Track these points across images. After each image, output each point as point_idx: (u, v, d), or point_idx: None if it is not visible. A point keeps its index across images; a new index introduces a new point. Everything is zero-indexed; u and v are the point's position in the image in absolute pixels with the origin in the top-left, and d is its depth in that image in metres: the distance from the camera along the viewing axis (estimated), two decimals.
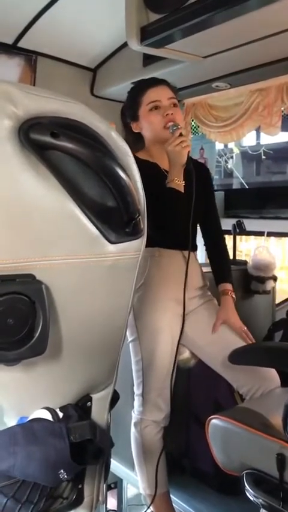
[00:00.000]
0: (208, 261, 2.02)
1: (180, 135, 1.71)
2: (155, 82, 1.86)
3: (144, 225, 0.87)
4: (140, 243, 0.87)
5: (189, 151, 1.74)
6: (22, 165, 0.73)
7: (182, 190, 1.73)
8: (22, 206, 0.74)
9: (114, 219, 0.82)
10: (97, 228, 0.80)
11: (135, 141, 1.86)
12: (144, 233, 0.88)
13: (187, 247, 1.78)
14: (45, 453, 0.77)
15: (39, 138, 0.73)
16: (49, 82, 2.71)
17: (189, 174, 1.73)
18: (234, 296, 1.90)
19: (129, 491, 2.50)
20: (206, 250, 2.01)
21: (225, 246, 2.03)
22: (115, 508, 2.51)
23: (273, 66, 2.36)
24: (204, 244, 2.00)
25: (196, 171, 1.75)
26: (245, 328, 1.86)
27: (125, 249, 0.85)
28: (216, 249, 1.98)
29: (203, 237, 2.00)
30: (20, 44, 2.61)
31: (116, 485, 2.47)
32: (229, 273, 1.96)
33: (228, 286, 1.91)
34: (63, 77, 2.80)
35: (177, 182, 1.72)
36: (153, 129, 1.80)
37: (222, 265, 1.97)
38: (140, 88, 1.86)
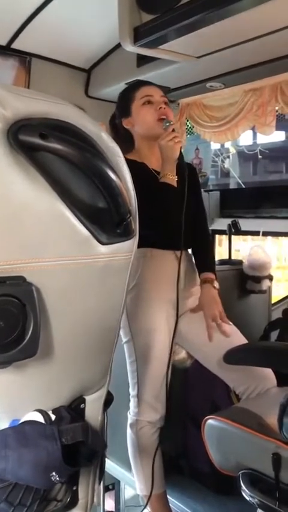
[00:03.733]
0: None
1: (173, 131, 1.73)
2: (148, 82, 1.92)
3: (135, 225, 0.87)
4: (131, 243, 0.87)
5: (181, 147, 1.76)
6: (11, 167, 0.73)
7: (175, 185, 1.74)
8: (11, 208, 0.73)
9: (105, 220, 0.81)
10: (88, 229, 0.80)
11: (124, 141, 1.86)
12: (136, 234, 0.87)
13: (179, 247, 1.78)
14: (37, 456, 0.77)
15: (28, 139, 0.72)
16: (43, 83, 2.70)
17: (181, 170, 1.75)
18: (216, 285, 1.87)
19: (127, 492, 2.50)
20: (191, 245, 1.97)
21: (210, 242, 2.04)
22: (113, 509, 2.51)
23: (267, 65, 2.36)
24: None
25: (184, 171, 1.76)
26: (220, 320, 1.80)
27: (116, 250, 0.85)
28: (201, 244, 1.96)
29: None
30: (14, 46, 2.60)
31: (114, 486, 2.47)
32: (212, 265, 1.94)
33: (210, 275, 1.88)
34: (57, 78, 2.80)
35: (170, 177, 1.73)
36: (146, 122, 1.82)
37: (205, 257, 1.95)
38: (132, 86, 1.92)
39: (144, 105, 1.82)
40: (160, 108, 1.80)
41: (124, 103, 1.88)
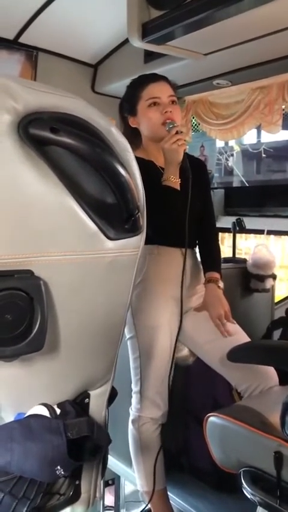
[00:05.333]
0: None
1: (177, 133, 1.70)
2: (156, 78, 1.84)
3: (143, 221, 0.87)
4: (139, 239, 0.87)
5: (185, 149, 1.73)
6: (21, 161, 0.73)
7: (178, 188, 1.72)
8: (21, 201, 0.73)
9: (113, 216, 0.81)
10: (96, 224, 0.80)
11: (133, 137, 1.84)
12: (144, 230, 0.87)
13: (185, 245, 1.77)
14: (42, 449, 0.77)
15: (39, 133, 0.72)
16: (50, 78, 2.70)
17: (185, 172, 1.73)
18: (220, 285, 1.85)
19: (127, 488, 2.50)
20: (198, 244, 1.96)
21: (217, 241, 2.01)
22: (112, 505, 2.52)
23: (275, 64, 2.35)
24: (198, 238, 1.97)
25: (193, 168, 1.74)
26: (224, 320, 1.80)
27: (124, 246, 0.85)
28: (207, 242, 1.94)
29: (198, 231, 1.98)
30: (21, 40, 2.60)
31: (114, 481, 2.48)
32: (218, 264, 1.92)
33: (215, 274, 1.86)
34: (63, 73, 2.79)
35: (173, 180, 1.71)
36: (151, 125, 1.79)
37: (212, 256, 1.93)
38: (140, 82, 1.84)
39: (150, 106, 1.78)
40: (166, 112, 1.76)
41: (130, 101, 1.85)
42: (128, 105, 1.86)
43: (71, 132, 0.74)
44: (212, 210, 1.99)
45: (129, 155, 0.83)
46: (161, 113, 1.76)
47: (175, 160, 1.71)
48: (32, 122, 0.72)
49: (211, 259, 1.93)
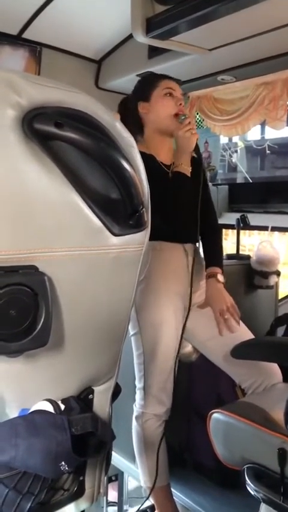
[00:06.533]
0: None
1: (189, 123, 1.74)
2: (171, 77, 1.89)
3: (148, 217, 0.86)
4: (143, 235, 0.86)
5: (197, 139, 1.77)
6: (25, 156, 0.72)
7: (189, 175, 1.75)
8: (25, 197, 0.73)
9: (117, 211, 0.81)
10: (100, 220, 0.80)
11: (134, 130, 1.85)
12: (148, 226, 0.87)
13: (188, 240, 1.78)
14: (47, 445, 0.77)
15: (43, 128, 0.72)
16: (53, 74, 2.70)
17: (196, 162, 1.77)
18: (220, 279, 1.83)
19: (130, 483, 2.52)
20: (200, 239, 1.95)
21: (219, 236, 2.02)
22: (116, 501, 2.52)
23: (280, 59, 2.34)
24: (200, 235, 1.97)
25: (193, 163, 1.78)
26: (227, 315, 1.78)
27: (128, 242, 0.84)
28: (208, 237, 1.94)
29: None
30: (25, 35, 2.59)
31: (117, 477, 2.49)
32: (219, 259, 1.91)
33: (215, 269, 1.85)
34: (67, 68, 2.79)
35: (185, 167, 1.74)
36: (163, 113, 1.81)
37: (212, 250, 1.93)
38: (156, 74, 1.91)
39: (166, 96, 1.82)
40: (180, 104, 1.81)
41: (145, 87, 1.86)
42: (142, 90, 1.88)
43: (76, 127, 0.73)
44: (212, 205, 2.00)
45: (133, 150, 0.82)
46: (176, 104, 1.81)
47: (188, 147, 1.75)
48: (37, 117, 0.71)
49: (212, 254, 1.92)
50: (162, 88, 1.82)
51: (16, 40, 2.60)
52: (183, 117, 1.76)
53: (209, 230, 1.94)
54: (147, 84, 1.87)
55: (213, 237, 1.97)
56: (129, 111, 1.89)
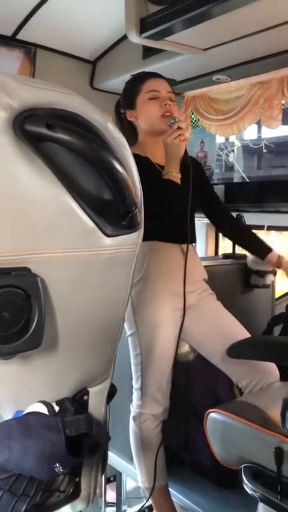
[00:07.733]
0: (208, 255, 2.01)
1: (178, 128, 1.71)
2: (155, 74, 1.88)
3: (141, 218, 0.86)
4: (136, 236, 0.86)
5: (186, 145, 1.74)
6: (17, 157, 0.72)
7: (179, 182, 1.73)
8: (17, 199, 0.73)
9: (110, 212, 0.81)
10: (93, 221, 0.80)
11: (129, 134, 1.85)
12: (141, 226, 0.87)
13: (185, 240, 1.77)
14: (41, 447, 0.77)
15: (35, 129, 0.72)
16: (48, 75, 2.69)
17: (186, 167, 1.74)
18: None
19: (128, 484, 2.51)
20: (225, 235, 2.08)
21: (247, 227, 2.13)
22: (114, 501, 2.52)
23: (275, 58, 2.33)
24: (220, 231, 2.02)
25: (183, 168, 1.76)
26: None
27: (121, 242, 0.84)
28: (242, 232, 2.06)
29: (218, 226, 2.12)
30: (19, 36, 2.59)
31: (115, 478, 2.48)
32: (265, 244, 2.03)
33: (274, 253, 1.99)
34: (62, 69, 2.78)
35: (174, 174, 1.72)
36: (150, 117, 1.80)
37: (257, 240, 2.04)
38: (139, 77, 1.88)
39: (150, 100, 1.80)
40: (165, 104, 1.78)
41: (129, 95, 1.86)
42: (126, 99, 1.88)
43: (67, 128, 0.73)
44: (220, 199, 2.08)
45: (126, 151, 0.82)
46: (161, 106, 1.79)
47: (176, 154, 1.72)
48: (28, 118, 0.72)
49: (257, 240, 2.05)
50: (145, 92, 1.81)
51: (10, 41, 2.59)
52: (172, 121, 1.72)
53: (236, 226, 2.06)
54: (131, 91, 1.86)
55: (244, 229, 2.08)
56: (122, 117, 1.90)
